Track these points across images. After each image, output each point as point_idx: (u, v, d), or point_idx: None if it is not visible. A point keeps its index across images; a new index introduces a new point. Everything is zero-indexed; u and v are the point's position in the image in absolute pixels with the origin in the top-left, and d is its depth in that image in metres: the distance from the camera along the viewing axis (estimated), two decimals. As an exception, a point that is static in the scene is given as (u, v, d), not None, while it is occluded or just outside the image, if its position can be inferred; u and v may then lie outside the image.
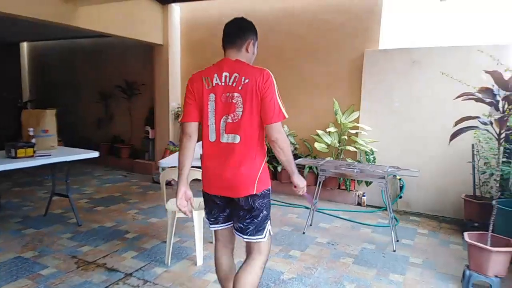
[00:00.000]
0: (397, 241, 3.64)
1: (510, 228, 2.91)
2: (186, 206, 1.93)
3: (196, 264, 2.95)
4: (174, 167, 3.18)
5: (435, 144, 4.36)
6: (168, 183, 4.95)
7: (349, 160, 4.69)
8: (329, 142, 4.78)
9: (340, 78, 5.04)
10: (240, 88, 1.81)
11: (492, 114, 2.35)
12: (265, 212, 1.94)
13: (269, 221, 1.98)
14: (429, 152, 4.44)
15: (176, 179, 1.97)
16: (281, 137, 1.84)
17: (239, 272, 1.94)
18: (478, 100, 2.63)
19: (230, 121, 1.83)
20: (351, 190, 4.89)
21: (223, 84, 1.84)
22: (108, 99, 7.11)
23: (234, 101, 1.81)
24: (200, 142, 1.95)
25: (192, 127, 1.92)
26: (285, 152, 1.88)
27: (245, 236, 1.95)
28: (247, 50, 1.91)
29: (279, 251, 3.28)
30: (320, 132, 4.86)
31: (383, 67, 4.68)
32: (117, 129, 7.16)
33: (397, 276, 2.89)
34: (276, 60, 5.27)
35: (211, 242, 3.39)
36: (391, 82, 4.64)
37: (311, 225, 3.99)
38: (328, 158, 4.69)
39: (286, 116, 1.84)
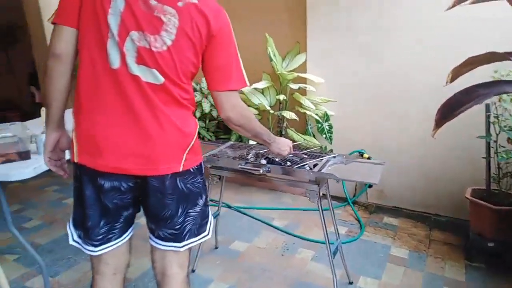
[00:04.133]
0: (350, 283, 2.08)
1: None
2: (58, 163, 1.29)
3: None
4: None
5: (424, 105, 2.65)
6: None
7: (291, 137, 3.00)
8: (260, 105, 3.06)
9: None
10: (180, 4, 1.10)
11: None
12: (203, 196, 1.29)
13: (209, 208, 1.35)
14: (415, 118, 2.73)
15: None
16: (240, 112, 1.29)
17: None
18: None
19: (147, 45, 1.09)
20: (301, 174, 3.26)
21: None
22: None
23: (164, 18, 1.09)
24: None
25: (65, 39, 1.12)
26: (247, 128, 1.35)
27: (183, 243, 1.26)
28: None
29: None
30: (247, 89, 3.12)
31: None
32: (9, 91, 5.45)
33: None
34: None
35: None
36: (352, 2, 2.81)
37: (216, 248, 2.43)
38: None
39: (248, 83, 1.29)
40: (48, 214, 2.93)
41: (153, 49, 1.10)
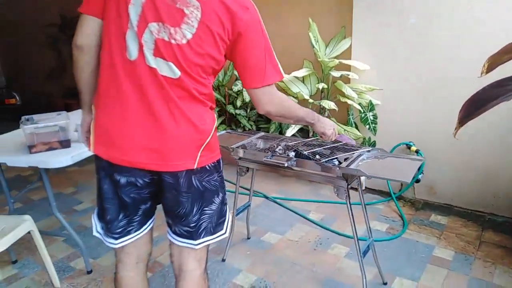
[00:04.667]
0: (384, 284, 1.96)
1: None
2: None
3: None
4: None
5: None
6: None
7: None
8: (298, 94, 2.95)
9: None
10: None
11: None
12: (221, 194, 1.27)
13: (227, 206, 1.33)
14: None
15: None
16: (278, 103, 1.24)
17: None
18: None
19: (166, 38, 1.07)
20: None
21: None
22: (58, 42, 5.74)
23: (186, 10, 1.06)
24: None
25: (88, 30, 1.13)
26: (288, 117, 1.33)
27: (198, 241, 1.25)
28: None
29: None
30: (286, 77, 3.03)
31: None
32: (70, 80, 5.87)
33: None
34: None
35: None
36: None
37: (248, 238, 2.43)
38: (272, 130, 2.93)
39: (283, 74, 1.24)
40: (97, 197, 3.12)
41: (172, 41, 1.07)
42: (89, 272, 2.15)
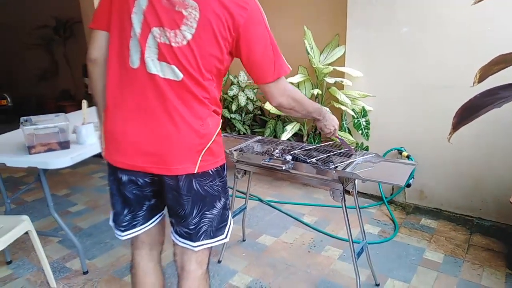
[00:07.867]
0: (377, 285, 2.01)
1: None
2: None
3: None
4: None
5: (469, 100, 2.47)
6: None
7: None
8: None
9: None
10: None
11: None
12: (223, 199, 1.28)
13: (229, 211, 1.34)
14: (459, 113, 2.55)
15: None
16: (289, 95, 1.28)
17: None
18: None
19: (167, 41, 1.09)
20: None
21: None
22: (51, 44, 5.74)
23: (185, 12, 1.08)
24: None
25: (99, 44, 1.19)
26: (298, 110, 1.35)
27: (197, 243, 1.26)
28: None
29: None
30: (281, 83, 3.08)
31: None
32: (67, 82, 5.85)
33: None
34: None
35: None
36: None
37: (244, 240, 2.46)
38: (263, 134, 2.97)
39: (290, 67, 1.25)
40: (92, 199, 3.12)
41: (173, 44, 1.09)
42: (85, 273, 2.15)
